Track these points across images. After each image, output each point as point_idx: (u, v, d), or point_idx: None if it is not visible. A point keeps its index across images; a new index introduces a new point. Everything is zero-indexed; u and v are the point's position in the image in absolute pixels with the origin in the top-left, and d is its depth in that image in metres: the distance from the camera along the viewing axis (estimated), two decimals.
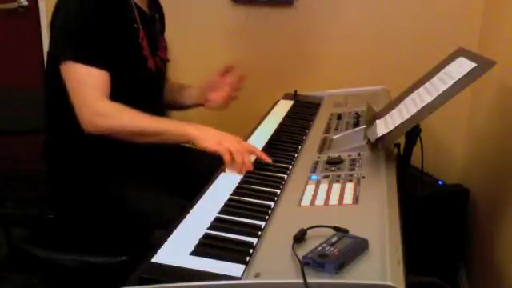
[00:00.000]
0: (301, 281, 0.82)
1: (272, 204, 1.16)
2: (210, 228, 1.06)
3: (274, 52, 2.42)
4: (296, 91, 2.10)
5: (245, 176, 1.32)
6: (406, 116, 1.29)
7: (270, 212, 1.12)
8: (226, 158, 1.36)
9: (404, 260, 0.88)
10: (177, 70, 1.91)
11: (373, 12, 2.33)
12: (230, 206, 1.16)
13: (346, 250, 0.88)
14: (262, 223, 1.07)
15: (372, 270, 0.85)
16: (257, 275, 0.87)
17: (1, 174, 1.91)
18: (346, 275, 0.84)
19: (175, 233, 1.05)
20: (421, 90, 1.40)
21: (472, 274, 2.12)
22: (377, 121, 1.42)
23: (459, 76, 1.27)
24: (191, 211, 1.14)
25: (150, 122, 1.44)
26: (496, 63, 1.24)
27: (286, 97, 2.09)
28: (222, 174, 1.34)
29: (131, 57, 1.51)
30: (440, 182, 2.16)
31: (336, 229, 0.97)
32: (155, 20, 1.67)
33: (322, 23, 2.36)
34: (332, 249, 0.88)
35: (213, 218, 1.10)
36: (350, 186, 1.19)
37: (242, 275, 0.89)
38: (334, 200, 1.13)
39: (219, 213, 1.13)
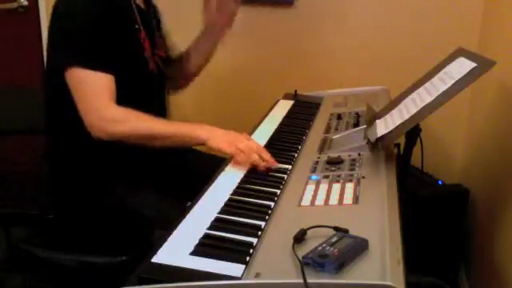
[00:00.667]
0: (301, 281, 0.82)
1: (272, 204, 1.16)
2: (209, 228, 1.06)
3: (274, 52, 2.42)
4: (296, 91, 2.10)
5: (245, 176, 1.32)
6: (406, 116, 1.29)
7: (270, 212, 1.12)
8: (240, 158, 1.36)
9: (404, 260, 0.88)
10: None
11: (373, 12, 2.33)
12: (230, 206, 1.16)
13: (346, 250, 0.88)
14: (262, 223, 1.07)
15: (372, 270, 0.85)
16: (257, 275, 0.87)
17: (1, 174, 1.91)
18: (346, 275, 0.84)
19: (175, 233, 1.05)
20: (421, 90, 1.40)
21: (472, 274, 2.12)
22: (377, 121, 1.42)
23: (459, 76, 1.27)
24: (191, 211, 1.14)
25: (160, 125, 1.44)
26: (496, 63, 1.24)
27: (286, 97, 2.09)
28: (222, 174, 1.34)
29: (133, 59, 1.51)
30: (440, 182, 2.16)
31: (336, 229, 0.97)
32: (151, 16, 1.66)
33: (322, 23, 2.36)
34: (332, 249, 0.88)
35: (213, 218, 1.10)
36: (349, 186, 1.19)
37: (242, 275, 0.89)
38: (334, 200, 1.13)
39: (219, 213, 1.13)
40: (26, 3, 2.50)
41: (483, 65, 1.25)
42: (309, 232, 0.97)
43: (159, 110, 1.67)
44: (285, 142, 1.55)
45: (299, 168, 1.37)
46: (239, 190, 1.24)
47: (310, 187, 1.21)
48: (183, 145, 1.48)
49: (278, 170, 1.35)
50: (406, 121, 1.28)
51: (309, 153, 1.47)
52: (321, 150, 1.47)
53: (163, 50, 1.70)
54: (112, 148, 1.44)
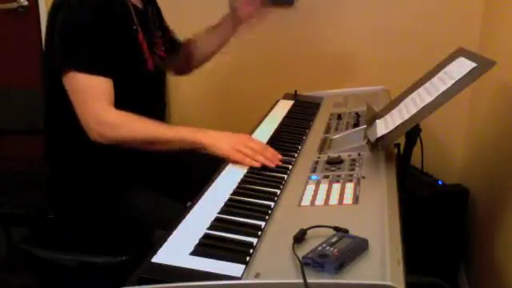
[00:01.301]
0: (301, 281, 0.82)
1: (272, 204, 1.16)
2: (209, 228, 1.06)
3: (274, 52, 2.42)
4: (296, 91, 2.10)
5: (245, 176, 1.32)
6: (406, 116, 1.29)
7: (269, 212, 1.12)
8: (246, 162, 1.36)
9: (404, 260, 0.88)
10: None
11: (373, 12, 2.33)
12: (230, 206, 1.16)
13: (346, 250, 0.88)
14: (262, 223, 1.07)
15: (372, 270, 0.85)
16: (257, 275, 0.87)
17: (1, 174, 1.91)
18: (345, 275, 0.84)
19: (175, 233, 1.05)
20: (421, 90, 1.40)
21: (472, 274, 2.12)
22: (377, 121, 1.42)
23: (459, 76, 1.27)
24: (191, 211, 1.14)
25: (161, 130, 1.44)
26: (496, 63, 1.24)
27: (286, 97, 2.09)
28: (222, 174, 1.34)
29: (132, 60, 1.51)
30: (440, 182, 2.16)
31: (336, 229, 0.97)
32: (149, 15, 1.66)
33: (322, 23, 2.36)
34: (332, 249, 0.88)
35: (213, 218, 1.10)
36: (349, 186, 1.19)
37: (242, 275, 0.88)
38: (334, 200, 1.13)
39: (219, 213, 1.13)
40: (25, 3, 2.50)
41: (483, 65, 1.25)
42: (309, 232, 0.97)
43: (159, 109, 1.67)
44: (285, 142, 1.55)
45: (299, 168, 1.37)
46: (239, 190, 1.24)
47: (310, 187, 1.21)
48: (183, 149, 1.48)
49: (278, 170, 1.35)
50: (406, 121, 1.28)
51: (309, 153, 1.47)
52: (321, 149, 1.47)
53: (164, 49, 1.70)
54: (112, 148, 1.43)
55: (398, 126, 1.28)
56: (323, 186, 1.20)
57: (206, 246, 0.98)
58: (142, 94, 1.55)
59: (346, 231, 0.96)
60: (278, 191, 1.23)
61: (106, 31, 1.41)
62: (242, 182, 1.29)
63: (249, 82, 2.46)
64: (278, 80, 2.39)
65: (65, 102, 1.43)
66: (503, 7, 1.99)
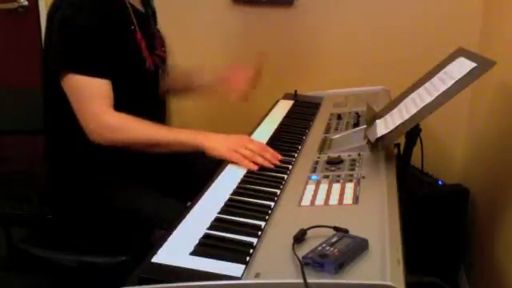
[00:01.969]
0: (301, 281, 0.82)
1: (272, 204, 1.16)
2: (210, 228, 1.06)
3: (274, 52, 2.41)
4: (296, 91, 2.10)
5: (245, 176, 1.32)
6: (406, 116, 1.29)
7: (269, 212, 1.12)
8: (245, 164, 1.36)
9: (404, 260, 0.88)
10: None
11: (373, 12, 2.33)
12: (230, 206, 1.16)
13: (346, 250, 0.88)
14: (262, 223, 1.07)
15: (372, 269, 0.85)
16: (257, 275, 0.87)
17: (0, 174, 1.91)
18: (345, 275, 0.84)
19: (175, 233, 1.05)
20: (421, 90, 1.40)
21: (472, 274, 2.12)
22: (377, 121, 1.42)
23: (459, 76, 1.27)
24: (191, 211, 1.14)
25: (160, 133, 1.44)
26: (496, 63, 1.24)
27: (286, 97, 2.09)
28: (222, 174, 1.34)
29: (131, 60, 1.51)
30: (440, 182, 2.16)
31: (336, 229, 0.97)
32: (149, 17, 1.66)
33: (321, 23, 2.36)
34: (332, 249, 0.88)
35: (213, 218, 1.10)
36: (349, 186, 1.19)
37: (242, 275, 0.88)
38: (333, 200, 1.13)
39: (219, 213, 1.13)
40: (25, 3, 2.50)
41: (483, 65, 1.25)
42: (309, 232, 0.97)
43: (158, 109, 1.67)
44: (285, 142, 1.55)
45: (299, 168, 1.37)
46: (239, 190, 1.24)
47: (310, 187, 1.21)
48: (183, 151, 1.48)
49: (278, 170, 1.35)
50: (406, 121, 1.28)
51: (309, 153, 1.47)
52: (321, 150, 1.47)
53: (163, 49, 1.70)
54: (112, 149, 1.43)
55: (398, 126, 1.28)
56: (323, 186, 1.20)
57: (206, 246, 0.98)
58: (142, 94, 1.56)
59: (346, 231, 0.96)
60: (278, 191, 1.23)
61: (103, 32, 1.41)
62: (242, 181, 1.29)
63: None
64: (278, 80, 2.39)
65: (64, 102, 1.43)
66: (503, 7, 2.00)
